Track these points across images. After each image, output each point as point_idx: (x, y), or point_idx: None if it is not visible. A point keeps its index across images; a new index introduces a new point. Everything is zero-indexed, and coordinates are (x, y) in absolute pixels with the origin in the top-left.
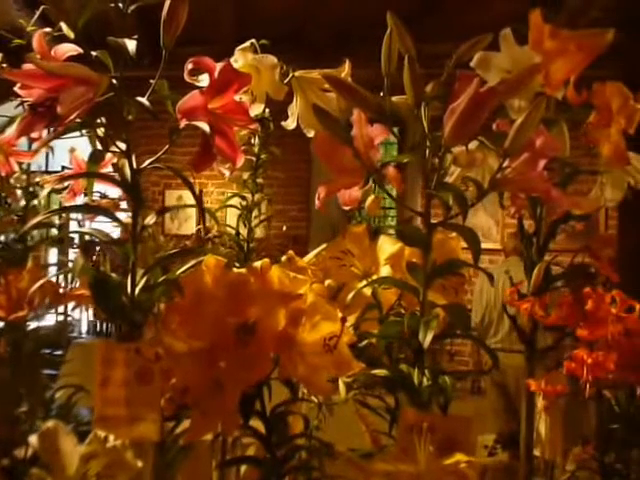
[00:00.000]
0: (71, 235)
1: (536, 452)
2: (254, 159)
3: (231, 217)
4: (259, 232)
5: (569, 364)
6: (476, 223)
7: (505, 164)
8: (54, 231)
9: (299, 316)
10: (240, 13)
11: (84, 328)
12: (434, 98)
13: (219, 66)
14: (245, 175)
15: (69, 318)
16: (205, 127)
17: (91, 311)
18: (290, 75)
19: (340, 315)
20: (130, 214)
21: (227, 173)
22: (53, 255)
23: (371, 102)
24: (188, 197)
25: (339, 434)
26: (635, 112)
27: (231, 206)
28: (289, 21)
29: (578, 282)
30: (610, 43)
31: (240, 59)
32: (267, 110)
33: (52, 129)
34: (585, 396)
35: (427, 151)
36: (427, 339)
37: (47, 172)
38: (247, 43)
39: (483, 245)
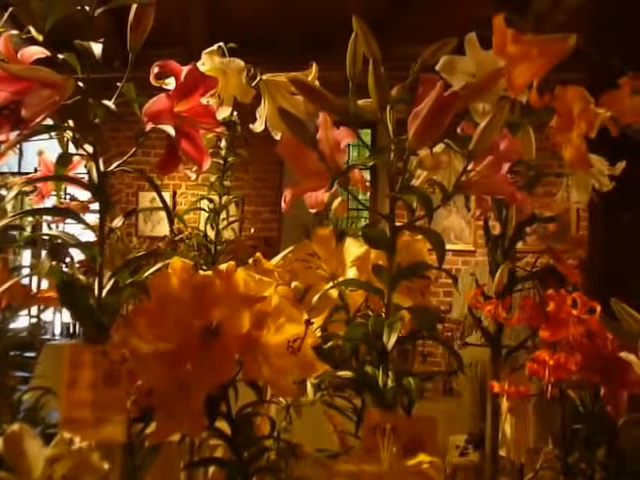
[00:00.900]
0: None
1: (502, 452)
2: (222, 162)
3: (204, 220)
4: (227, 234)
5: (531, 365)
6: (449, 225)
7: (470, 167)
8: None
9: (263, 318)
10: (213, 15)
11: (57, 330)
12: (399, 101)
13: (185, 69)
14: (213, 178)
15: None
16: (170, 130)
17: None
18: (258, 78)
19: (304, 317)
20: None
21: (193, 176)
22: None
23: (336, 105)
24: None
25: (309, 435)
26: (596, 117)
27: (199, 209)
28: (263, 23)
29: (546, 284)
30: (574, 48)
31: (207, 62)
32: (235, 113)
33: (18, 132)
34: (549, 397)
35: (392, 154)
36: (391, 341)
37: (20, 174)
38: (215, 46)
39: (456, 247)
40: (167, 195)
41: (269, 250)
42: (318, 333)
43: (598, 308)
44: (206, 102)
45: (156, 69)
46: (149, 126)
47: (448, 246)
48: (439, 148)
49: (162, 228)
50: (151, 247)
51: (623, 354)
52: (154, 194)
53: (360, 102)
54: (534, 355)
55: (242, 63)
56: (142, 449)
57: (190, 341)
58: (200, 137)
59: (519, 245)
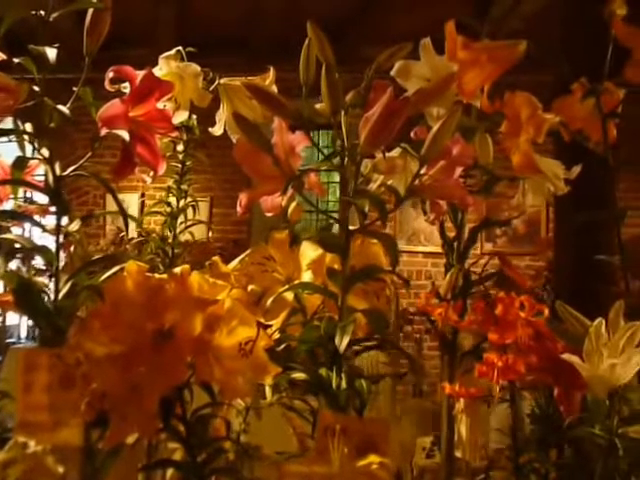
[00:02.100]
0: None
1: (457, 453)
2: (180, 165)
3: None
4: (183, 237)
5: (480, 367)
6: (418, 227)
7: (423, 171)
8: None
9: (215, 321)
10: (183, 17)
11: (23, 333)
12: (352, 106)
13: (140, 74)
14: (170, 181)
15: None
16: (125, 135)
17: None
18: (216, 82)
19: (257, 320)
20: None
21: (149, 180)
22: None
23: (290, 110)
24: (130, 201)
25: (271, 437)
26: (543, 122)
27: (156, 212)
28: (232, 25)
29: (502, 286)
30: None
31: (164, 67)
32: (194, 116)
33: None
34: (497, 398)
35: (345, 159)
36: (343, 343)
37: None
38: (173, 51)
39: (426, 249)
40: (135, 197)
41: (238, 252)
42: (276, 335)
43: (546, 311)
44: (163, 106)
45: (111, 74)
46: (104, 131)
47: (418, 248)
48: (396, 152)
49: (130, 231)
50: (118, 249)
51: (566, 356)
52: (122, 196)
53: (318, 105)
54: (483, 357)
55: (198, 68)
56: (102, 452)
57: (143, 344)
58: (155, 141)
59: (489, 247)
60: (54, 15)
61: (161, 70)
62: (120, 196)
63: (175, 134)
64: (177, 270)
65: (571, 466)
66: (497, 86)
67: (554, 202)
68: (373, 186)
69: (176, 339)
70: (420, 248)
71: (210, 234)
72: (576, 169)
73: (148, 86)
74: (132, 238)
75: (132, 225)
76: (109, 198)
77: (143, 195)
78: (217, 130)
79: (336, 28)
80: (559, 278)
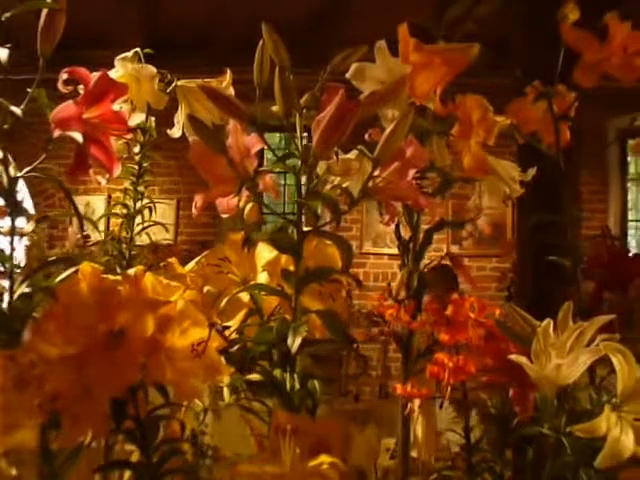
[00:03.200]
0: None
1: (413, 453)
2: (136, 167)
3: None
4: (139, 239)
5: (431, 367)
6: (384, 229)
7: (376, 173)
8: None
9: (168, 322)
10: (147, 18)
11: None
12: (306, 108)
13: (95, 76)
14: (126, 183)
15: None
16: (78, 137)
17: None
18: (173, 84)
19: (209, 321)
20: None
21: (104, 181)
22: None
23: (244, 112)
24: (96, 203)
25: (229, 438)
26: (494, 125)
27: (113, 214)
28: (197, 26)
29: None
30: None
31: (120, 68)
32: (152, 118)
33: None
34: (445, 398)
35: (299, 160)
36: (295, 344)
37: None
38: (130, 52)
39: (391, 251)
40: (102, 199)
41: None
42: (234, 336)
43: (497, 311)
44: (119, 108)
45: (64, 75)
46: (57, 132)
47: (384, 250)
48: (353, 154)
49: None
50: (84, 252)
51: (513, 356)
52: (88, 198)
53: (274, 108)
54: (434, 357)
55: (154, 69)
56: (61, 455)
57: (95, 345)
58: (110, 143)
59: (455, 249)
60: (6, 15)
61: (117, 72)
62: (86, 198)
63: (130, 136)
64: (131, 271)
65: (524, 465)
66: (461, 89)
67: (516, 204)
68: (328, 188)
69: (128, 340)
70: (386, 250)
71: (178, 237)
72: (532, 171)
73: (102, 88)
74: (97, 241)
75: (101, 227)
76: (76, 201)
77: (110, 197)
78: (175, 132)
79: (303, 30)
80: (521, 279)
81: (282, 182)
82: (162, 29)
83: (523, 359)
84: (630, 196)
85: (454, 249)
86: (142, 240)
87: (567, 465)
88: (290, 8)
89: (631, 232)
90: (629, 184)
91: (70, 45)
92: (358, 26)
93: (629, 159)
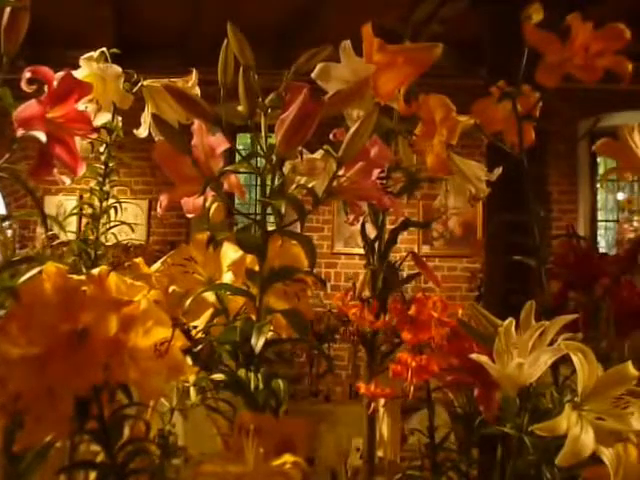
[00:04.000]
0: None
1: (379, 453)
2: (103, 167)
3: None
4: (104, 239)
5: (395, 367)
6: (355, 230)
7: (340, 172)
8: None
9: (130, 322)
10: (121, 19)
11: None
12: (270, 107)
13: (59, 75)
14: (92, 183)
15: None
16: (41, 137)
17: None
18: (139, 84)
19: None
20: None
21: (68, 181)
22: None
23: (208, 112)
24: (68, 203)
25: (196, 438)
26: (456, 124)
27: (77, 214)
28: (170, 28)
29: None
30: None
31: (85, 68)
32: (119, 118)
33: None
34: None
35: (264, 160)
36: (259, 343)
37: None
38: (97, 52)
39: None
40: (73, 200)
41: None
42: (200, 336)
43: (460, 311)
44: (84, 108)
45: (28, 74)
46: (20, 132)
47: (355, 250)
48: (319, 154)
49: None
50: (55, 252)
51: (474, 355)
52: (61, 198)
53: (240, 108)
54: (397, 356)
55: (120, 69)
56: (28, 455)
57: (58, 345)
58: (74, 143)
59: (426, 249)
60: None
61: (82, 71)
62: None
63: (95, 136)
64: (95, 271)
65: (489, 464)
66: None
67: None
68: (293, 187)
69: (91, 340)
70: (357, 250)
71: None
72: (497, 171)
73: (66, 87)
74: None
75: (72, 227)
76: (47, 200)
77: (82, 198)
78: (142, 132)
79: (276, 31)
80: (490, 280)
81: (254, 183)
82: (137, 30)
83: (484, 358)
84: (599, 196)
85: (425, 249)
86: (112, 240)
87: (530, 464)
88: (263, 9)
89: (601, 232)
90: (598, 185)
91: (43, 44)
92: (332, 27)
93: (598, 160)
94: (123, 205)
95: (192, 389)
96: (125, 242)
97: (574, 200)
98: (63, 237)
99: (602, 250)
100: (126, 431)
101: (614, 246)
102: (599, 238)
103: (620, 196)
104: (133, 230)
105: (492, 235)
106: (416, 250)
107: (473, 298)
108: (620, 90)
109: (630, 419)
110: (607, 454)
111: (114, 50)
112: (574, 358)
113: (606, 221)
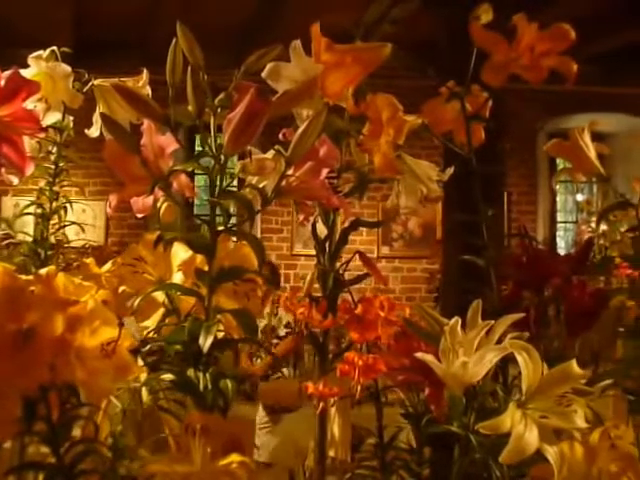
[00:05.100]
0: None
1: (331, 453)
2: (53, 167)
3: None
4: (56, 239)
5: (342, 366)
6: None
7: (289, 172)
8: None
9: (77, 321)
10: (80, 18)
11: None
12: (220, 107)
13: (6, 74)
14: (42, 183)
15: None
16: None
17: None
18: (90, 83)
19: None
20: None
21: (16, 181)
22: None
23: (158, 112)
24: (25, 204)
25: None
26: (403, 124)
27: (28, 214)
28: (129, 27)
29: None
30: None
31: (34, 67)
32: (70, 117)
33: None
34: (357, 397)
35: (212, 160)
36: (207, 343)
37: None
38: (47, 50)
39: None
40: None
41: None
42: (151, 336)
43: (407, 310)
44: (33, 106)
45: None
46: None
47: (314, 251)
48: (270, 154)
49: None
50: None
51: (419, 354)
52: (17, 199)
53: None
54: (344, 356)
55: (69, 68)
56: None
57: (3, 344)
58: (22, 142)
59: (386, 250)
60: None
61: (31, 70)
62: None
63: (43, 135)
64: (43, 271)
65: (441, 463)
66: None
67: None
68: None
69: (37, 339)
70: None
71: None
72: (449, 171)
73: (14, 86)
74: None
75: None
76: (4, 201)
77: (38, 198)
78: (94, 132)
79: (239, 32)
80: (446, 280)
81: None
82: (95, 29)
83: (429, 357)
84: (559, 198)
85: (385, 250)
86: (66, 241)
87: (476, 462)
88: (226, 9)
89: (560, 233)
90: (558, 186)
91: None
92: (294, 28)
93: (558, 161)
94: (82, 206)
95: (144, 389)
96: (83, 243)
97: (534, 201)
98: (20, 237)
99: (561, 251)
100: (77, 432)
101: (573, 247)
102: (558, 239)
103: (579, 197)
104: (84, 230)
105: (448, 235)
106: (375, 251)
107: (432, 299)
108: (583, 92)
109: (574, 417)
110: (551, 452)
111: (65, 49)
112: (518, 357)
113: (565, 222)
